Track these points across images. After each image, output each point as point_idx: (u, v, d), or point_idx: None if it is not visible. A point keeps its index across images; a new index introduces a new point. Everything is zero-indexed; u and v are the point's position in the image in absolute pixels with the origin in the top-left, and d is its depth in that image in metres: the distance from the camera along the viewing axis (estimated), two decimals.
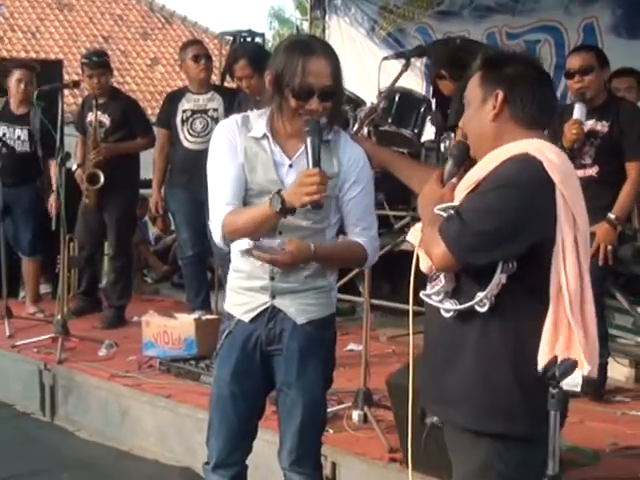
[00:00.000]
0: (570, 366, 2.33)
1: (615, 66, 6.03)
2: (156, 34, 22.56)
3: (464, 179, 2.72)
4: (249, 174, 3.26)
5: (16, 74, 7.79)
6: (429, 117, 7.25)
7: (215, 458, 3.49)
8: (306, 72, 3.11)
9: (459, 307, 2.62)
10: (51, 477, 5.19)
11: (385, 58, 5.76)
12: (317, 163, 3.03)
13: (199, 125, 6.96)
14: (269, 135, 3.27)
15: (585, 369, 2.53)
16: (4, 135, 7.68)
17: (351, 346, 6.09)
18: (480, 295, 2.56)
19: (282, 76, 3.15)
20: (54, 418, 6.28)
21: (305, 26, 12.66)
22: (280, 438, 3.48)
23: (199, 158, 6.33)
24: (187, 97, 7.09)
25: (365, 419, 4.86)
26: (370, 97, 6.57)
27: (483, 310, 2.58)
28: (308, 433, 3.43)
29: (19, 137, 7.64)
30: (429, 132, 7.72)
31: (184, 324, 6.27)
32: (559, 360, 2.35)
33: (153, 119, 8.59)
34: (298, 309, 3.33)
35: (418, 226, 2.82)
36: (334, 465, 4.45)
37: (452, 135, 6.87)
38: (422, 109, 6.97)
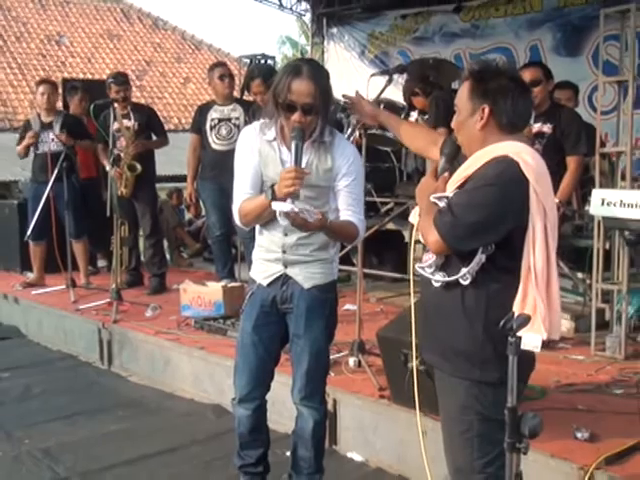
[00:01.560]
0: (524, 320, 2.33)
1: (556, 79, 5.99)
2: (188, 58, 22.46)
3: (455, 174, 2.70)
4: (263, 169, 3.30)
5: (40, 89, 7.76)
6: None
7: (239, 394, 3.53)
8: (291, 91, 3.13)
9: (446, 279, 2.63)
10: (108, 413, 5.19)
11: (373, 74, 5.74)
12: (297, 162, 3.07)
13: (224, 131, 6.94)
14: (278, 138, 3.28)
15: (543, 334, 2.53)
16: (41, 139, 7.64)
17: (347, 306, 6.08)
18: (464, 270, 2.58)
19: (276, 93, 3.18)
20: (110, 366, 6.30)
21: (308, 49, 12.67)
22: (292, 379, 3.51)
23: (225, 157, 6.35)
24: (214, 108, 7.05)
25: (359, 364, 4.87)
26: None
27: (466, 283, 2.59)
28: (314, 375, 3.45)
29: (52, 139, 7.60)
30: None
31: (214, 290, 6.27)
32: (516, 315, 2.36)
33: (187, 127, 8.57)
34: (305, 276, 3.36)
35: (417, 209, 2.82)
36: (335, 401, 4.45)
37: None
38: (402, 116, 6.94)
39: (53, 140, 7.59)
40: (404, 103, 7.09)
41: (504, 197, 2.53)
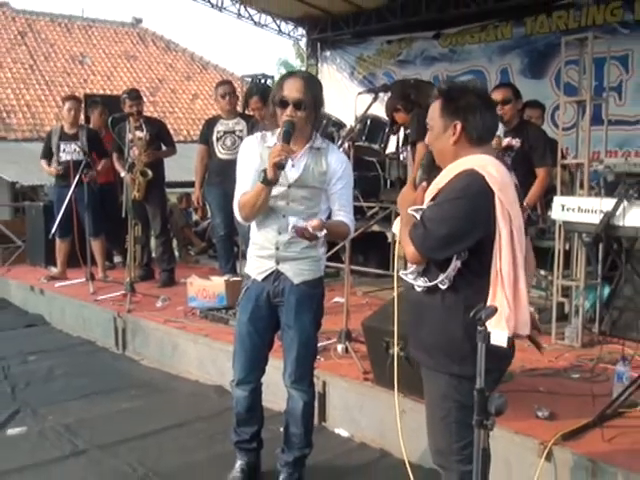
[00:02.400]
0: (491, 311, 2.33)
1: (524, 99, 6.00)
2: (196, 77, 22.41)
3: (432, 185, 2.67)
4: None
5: (67, 104, 7.73)
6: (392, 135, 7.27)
7: (237, 377, 3.53)
8: (284, 88, 3.19)
9: (427, 284, 2.61)
10: (123, 393, 5.19)
11: (360, 93, 5.74)
12: (284, 142, 3.11)
13: (229, 142, 6.90)
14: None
15: (507, 332, 2.53)
16: (64, 150, 7.62)
17: (336, 299, 6.08)
18: (442, 276, 2.56)
19: (273, 95, 3.24)
20: (125, 351, 6.29)
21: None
22: (283, 365, 3.50)
23: (229, 165, 6.33)
24: (220, 122, 7.02)
25: (346, 350, 4.88)
26: (350, 121, 6.56)
27: (444, 287, 2.57)
28: (303, 361, 3.44)
29: (75, 149, 7.57)
30: (391, 146, 7.75)
31: (217, 284, 6.26)
32: (485, 306, 2.36)
33: (195, 138, 8.54)
34: (295, 272, 3.34)
35: (398, 219, 2.81)
36: (324, 383, 4.46)
37: (409, 148, 6.87)
38: (386, 130, 6.95)
39: (75, 150, 7.57)
40: (387, 118, 7.09)
41: (472, 209, 2.51)
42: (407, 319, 2.82)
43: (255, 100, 6.31)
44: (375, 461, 4.03)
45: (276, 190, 3.24)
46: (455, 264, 2.55)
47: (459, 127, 2.61)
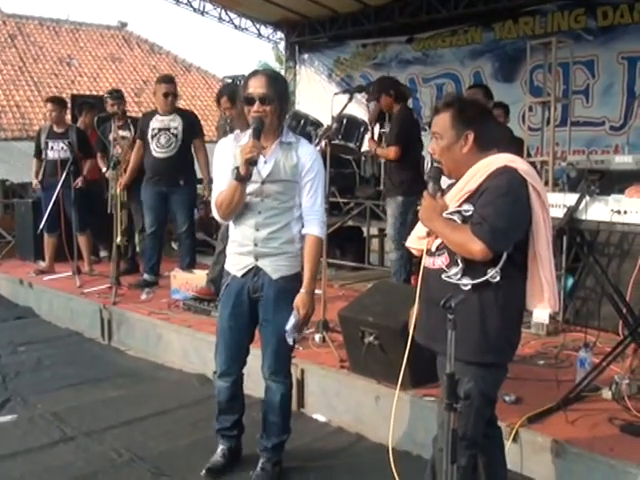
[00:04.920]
0: (461, 299, 2.33)
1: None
2: (179, 78, 22.13)
3: (454, 191, 2.66)
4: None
5: (49, 106, 7.63)
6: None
7: (219, 370, 3.51)
8: (248, 85, 3.16)
9: (477, 281, 2.56)
10: (109, 382, 5.16)
11: (336, 93, 5.73)
12: (254, 138, 3.10)
13: (163, 140, 6.62)
14: None
15: (549, 310, 2.60)
16: (52, 147, 7.54)
17: None
18: (491, 271, 2.54)
19: (240, 93, 3.23)
20: (111, 342, 6.25)
21: (282, 72, 12.65)
22: (262, 357, 3.48)
23: (163, 163, 6.42)
24: (155, 118, 6.76)
25: (324, 340, 4.89)
26: (327, 121, 6.55)
27: (495, 281, 2.55)
28: (281, 354, 3.42)
29: (62, 147, 7.50)
30: (367, 144, 7.74)
31: (199, 277, 6.24)
32: (454, 295, 2.36)
33: None
34: (273, 268, 3.31)
35: (414, 234, 2.82)
36: (302, 371, 4.46)
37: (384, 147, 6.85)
38: (362, 129, 6.94)
39: (62, 148, 7.51)
40: (363, 119, 7.08)
41: (519, 200, 2.55)
42: (432, 311, 2.65)
43: (224, 100, 6.22)
44: (351, 444, 4.04)
45: (250, 187, 3.22)
46: (504, 256, 2.55)
47: (471, 137, 2.64)
